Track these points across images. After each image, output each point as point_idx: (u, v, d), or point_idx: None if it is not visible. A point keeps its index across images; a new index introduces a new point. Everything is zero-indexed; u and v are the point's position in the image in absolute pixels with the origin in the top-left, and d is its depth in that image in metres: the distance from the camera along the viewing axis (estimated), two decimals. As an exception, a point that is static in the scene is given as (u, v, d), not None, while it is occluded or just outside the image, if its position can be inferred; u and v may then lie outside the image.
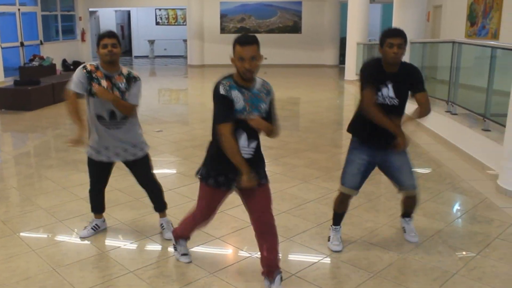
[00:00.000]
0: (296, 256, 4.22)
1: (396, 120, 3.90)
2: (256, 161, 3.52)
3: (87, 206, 5.13)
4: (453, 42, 8.18)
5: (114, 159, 4.31)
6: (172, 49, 25.32)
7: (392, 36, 3.74)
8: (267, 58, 20.78)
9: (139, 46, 25.80)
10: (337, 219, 4.31)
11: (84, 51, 21.41)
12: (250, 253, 4.17)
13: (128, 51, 26.66)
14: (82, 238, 4.46)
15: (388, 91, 3.84)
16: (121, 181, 6.05)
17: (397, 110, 3.92)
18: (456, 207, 5.52)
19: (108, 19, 25.77)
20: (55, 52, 18.05)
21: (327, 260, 4.08)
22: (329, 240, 4.28)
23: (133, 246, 4.38)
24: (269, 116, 3.47)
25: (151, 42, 25.05)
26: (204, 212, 3.74)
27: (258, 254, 4.06)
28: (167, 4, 23.85)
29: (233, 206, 4.76)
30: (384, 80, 3.84)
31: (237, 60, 3.22)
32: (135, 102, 4.15)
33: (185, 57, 23.48)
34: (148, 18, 25.51)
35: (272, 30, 21.05)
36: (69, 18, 21.16)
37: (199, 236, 4.36)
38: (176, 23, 25.51)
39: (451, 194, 5.78)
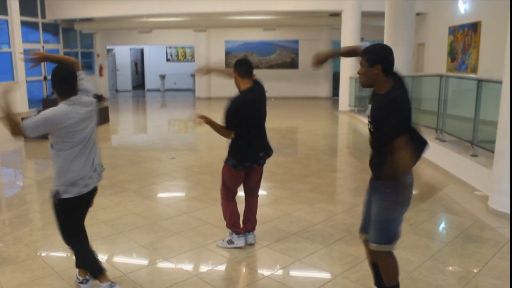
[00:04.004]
0: (307, 277, 4.02)
1: (379, 151, 3.10)
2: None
3: (107, 229, 4.97)
4: (441, 76, 8.10)
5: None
6: (181, 83, 25.26)
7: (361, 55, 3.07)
8: (267, 91, 20.89)
9: (151, 81, 25.74)
10: (375, 277, 3.49)
11: (101, 85, 21.41)
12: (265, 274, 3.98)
13: (141, 85, 26.69)
14: None
15: (368, 112, 3.16)
16: (138, 205, 5.89)
17: (375, 139, 3.12)
18: (452, 227, 5.32)
19: (123, 55, 25.79)
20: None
21: (337, 280, 3.89)
22: None
23: (152, 267, 4.18)
24: None
25: (162, 77, 25.02)
26: (234, 190, 4.45)
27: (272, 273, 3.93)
28: (177, 43, 23.92)
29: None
30: (371, 101, 3.15)
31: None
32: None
33: (193, 91, 23.43)
34: (159, 55, 25.52)
35: (272, 66, 21.06)
36: (88, 55, 21.26)
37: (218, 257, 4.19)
38: (185, 60, 25.48)
39: (446, 216, 5.60)
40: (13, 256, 4.40)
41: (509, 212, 5.26)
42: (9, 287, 3.78)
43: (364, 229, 3.31)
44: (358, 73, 3.05)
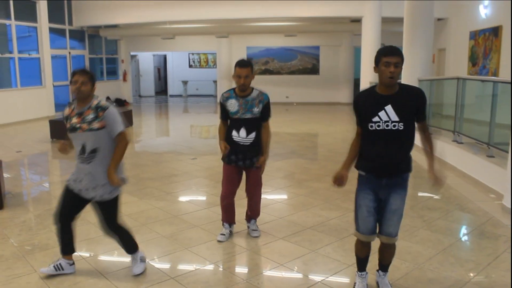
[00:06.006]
0: (321, 266, 4.20)
1: (403, 148, 3.25)
2: (254, 149, 4.43)
3: (131, 221, 5.23)
4: (458, 78, 8.20)
5: (84, 194, 3.81)
6: (203, 89, 25.66)
7: (389, 55, 3.12)
8: (289, 97, 21.16)
9: (173, 86, 26.23)
10: (360, 264, 3.65)
11: (125, 90, 21.91)
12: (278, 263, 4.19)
13: (164, 91, 27.19)
14: (42, 273, 3.93)
15: (388, 115, 3.17)
16: (160, 200, 6.15)
17: (404, 136, 3.22)
18: (465, 224, 5.45)
19: (146, 62, 26.32)
20: (100, 90, 18.02)
21: (349, 270, 4.06)
22: (354, 287, 3.66)
23: (173, 256, 4.42)
24: (263, 116, 4.41)
25: (185, 82, 25.45)
26: (225, 189, 4.59)
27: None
28: (199, 49, 24.35)
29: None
30: (381, 104, 3.19)
31: (236, 77, 4.25)
32: (116, 131, 3.71)
33: (214, 96, 23.79)
34: (182, 61, 25.98)
35: (293, 72, 21.27)
36: (112, 61, 21.82)
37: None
38: (207, 66, 25.90)
39: (459, 213, 5.71)
40: (44, 243, 4.69)
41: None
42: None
43: (374, 230, 3.41)
44: (393, 73, 3.11)
